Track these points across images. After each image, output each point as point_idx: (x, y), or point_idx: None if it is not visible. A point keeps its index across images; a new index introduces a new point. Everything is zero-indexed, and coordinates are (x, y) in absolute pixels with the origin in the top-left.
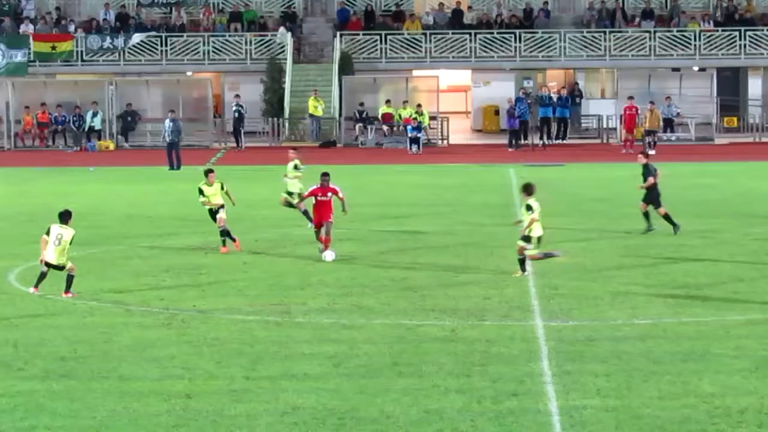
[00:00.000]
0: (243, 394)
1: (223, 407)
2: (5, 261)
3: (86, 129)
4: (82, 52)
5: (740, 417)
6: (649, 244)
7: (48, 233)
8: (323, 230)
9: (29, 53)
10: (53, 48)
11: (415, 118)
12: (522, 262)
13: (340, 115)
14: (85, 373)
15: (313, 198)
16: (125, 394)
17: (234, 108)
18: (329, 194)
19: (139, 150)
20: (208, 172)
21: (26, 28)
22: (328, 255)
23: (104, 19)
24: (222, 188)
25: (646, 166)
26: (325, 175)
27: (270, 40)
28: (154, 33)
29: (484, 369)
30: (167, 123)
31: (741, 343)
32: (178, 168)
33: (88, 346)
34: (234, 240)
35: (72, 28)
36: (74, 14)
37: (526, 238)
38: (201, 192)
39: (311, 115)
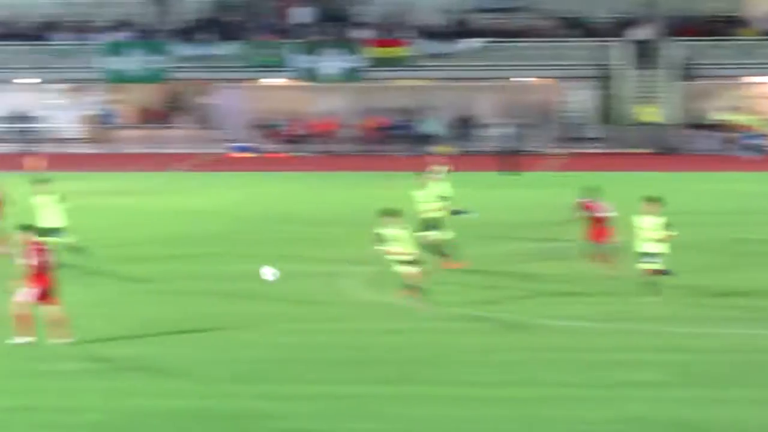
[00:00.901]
0: (582, 402)
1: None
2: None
3: (422, 134)
4: (417, 57)
5: None
6: None
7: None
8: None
9: (364, 59)
10: (389, 53)
11: (755, 125)
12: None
13: (678, 122)
14: (422, 377)
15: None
16: (461, 398)
17: (567, 114)
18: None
19: (475, 155)
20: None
21: (361, 33)
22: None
23: (440, 25)
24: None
25: None
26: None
27: (604, 46)
28: (489, 39)
29: None
30: (507, 129)
31: None
32: (519, 174)
33: (427, 350)
34: None
35: (408, 33)
36: (410, 20)
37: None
38: None
39: (646, 122)
